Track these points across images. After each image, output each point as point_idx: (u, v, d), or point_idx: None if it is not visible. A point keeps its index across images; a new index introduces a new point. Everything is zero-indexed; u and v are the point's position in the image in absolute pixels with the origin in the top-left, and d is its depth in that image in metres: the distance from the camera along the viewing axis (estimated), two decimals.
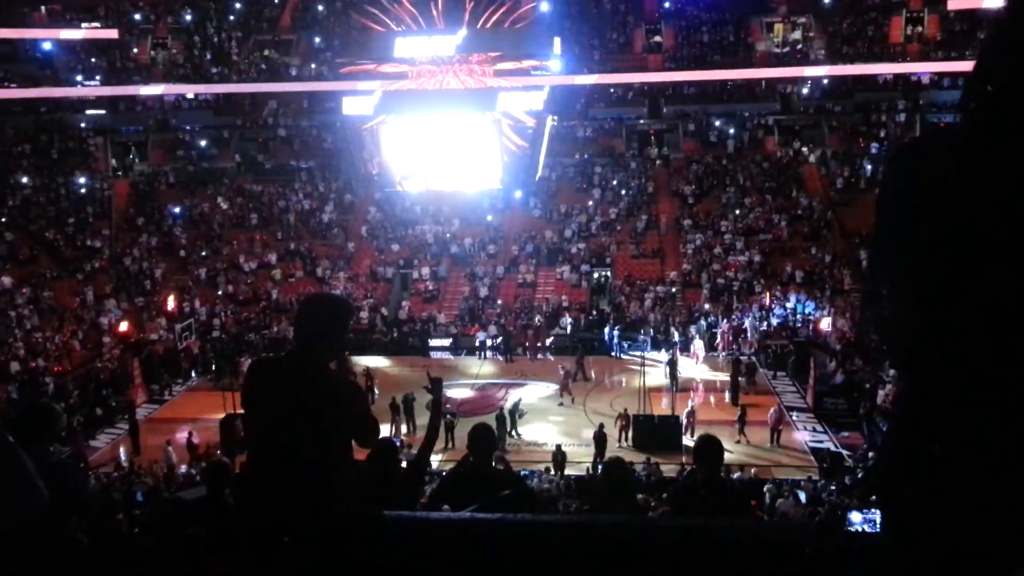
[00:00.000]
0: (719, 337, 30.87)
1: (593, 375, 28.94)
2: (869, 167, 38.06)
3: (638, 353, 29.63)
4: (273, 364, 3.78)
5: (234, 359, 28.88)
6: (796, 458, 22.02)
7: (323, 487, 3.38)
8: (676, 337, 30.49)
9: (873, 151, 38.64)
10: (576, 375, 27.95)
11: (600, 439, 21.54)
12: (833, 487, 18.43)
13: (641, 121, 42.32)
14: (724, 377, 27.85)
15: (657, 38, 44.48)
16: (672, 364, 27.15)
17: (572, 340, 32.01)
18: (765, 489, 17.23)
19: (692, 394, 26.21)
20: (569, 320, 33.22)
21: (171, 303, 33.32)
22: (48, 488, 3.62)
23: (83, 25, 44.41)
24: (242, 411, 3.60)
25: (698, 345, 29.91)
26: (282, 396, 3.37)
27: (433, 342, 33.16)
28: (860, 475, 18.86)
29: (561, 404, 26.11)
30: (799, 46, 43.14)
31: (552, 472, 20.03)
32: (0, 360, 28.42)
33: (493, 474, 5.17)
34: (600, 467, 17.36)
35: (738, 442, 22.11)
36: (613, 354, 31.11)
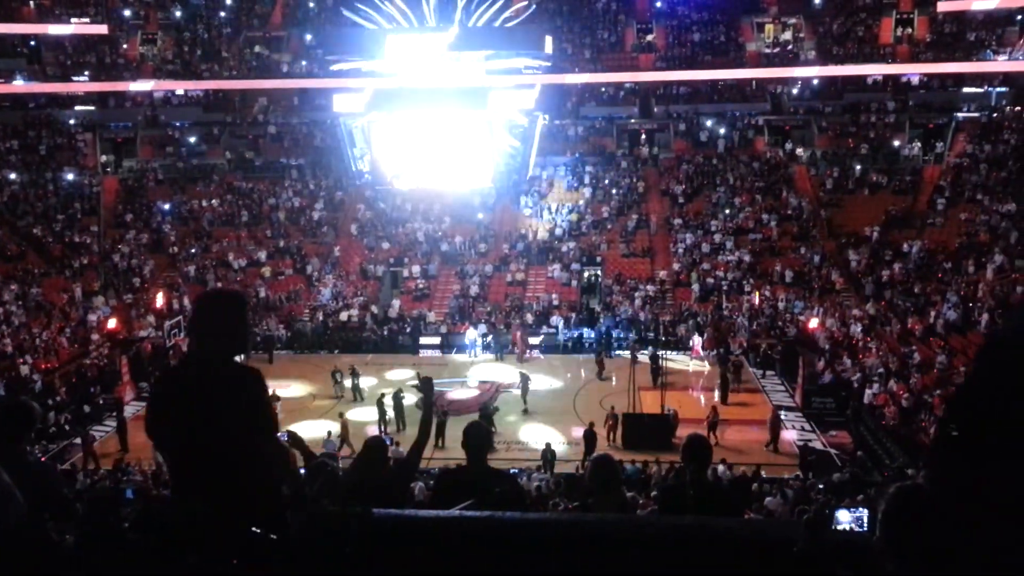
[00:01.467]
0: (705, 335, 30.94)
1: (599, 375, 28.85)
2: (858, 167, 38.25)
3: (627, 352, 29.68)
4: (179, 372, 3.65)
5: None
6: (784, 457, 22.10)
7: (262, 481, 3.36)
8: (629, 337, 30.61)
9: (862, 151, 38.87)
10: (600, 373, 28.49)
11: (590, 438, 21.56)
12: (821, 485, 18.51)
13: (632, 120, 42.37)
14: (706, 370, 28.05)
15: (648, 37, 44.53)
16: (655, 360, 27.21)
17: (563, 340, 32.09)
18: (753, 487, 17.31)
19: (689, 391, 26.31)
20: (559, 319, 33.28)
21: (160, 300, 33.17)
22: (25, 489, 3.59)
23: (72, 20, 44.10)
24: (151, 426, 3.47)
25: (696, 342, 30.05)
26: (198, 399, 3.28)
27: (423, 340, 33.15)
28: (847, 474, 18.95)
29: (525, 411, 25.66)
30: (789, 47, 43.27)
31: (542, 470, 20.06)
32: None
33: (488, 473, 5.17)
34: (588, 464, 17.38)
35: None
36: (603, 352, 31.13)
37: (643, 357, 28.33)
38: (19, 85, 42.09)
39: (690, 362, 29.46)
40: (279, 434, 4.58)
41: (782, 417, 24.58)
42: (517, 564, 3.12)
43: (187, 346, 3.64)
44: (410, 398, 23.81)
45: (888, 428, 23.35)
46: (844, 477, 18.98)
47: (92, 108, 43.58)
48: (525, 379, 26.39)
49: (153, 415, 3.43)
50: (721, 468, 18.68)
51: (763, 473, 19.22)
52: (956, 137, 38.43)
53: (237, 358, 3.46)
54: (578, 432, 22.52)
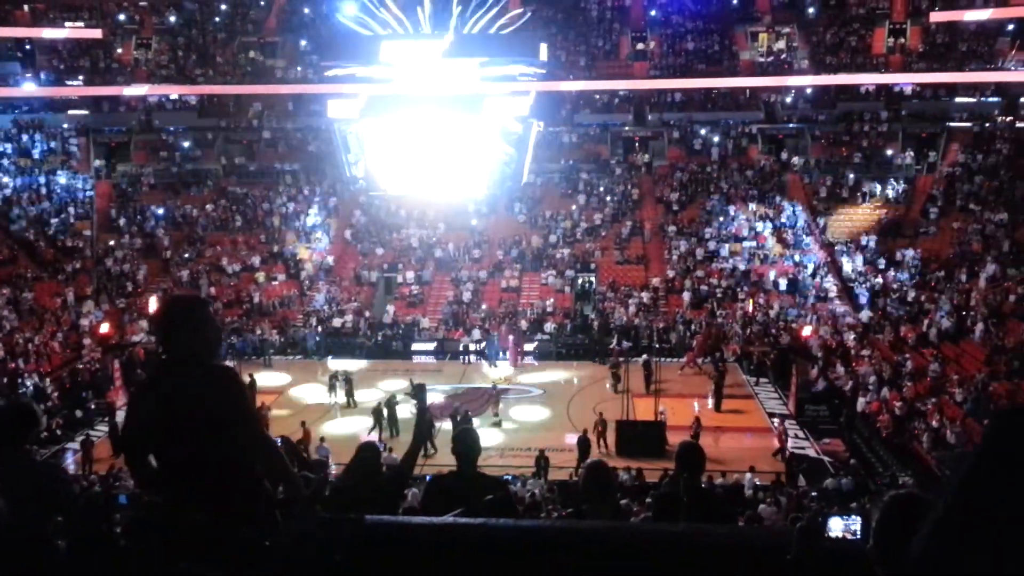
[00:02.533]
0: (694, 343, 30.94)
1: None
2: (851, 176, 38.42)
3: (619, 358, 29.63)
4: (154, 381, 3.68)
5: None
6: (778, 464, 22.09)
7: (248, 482, 3.37)
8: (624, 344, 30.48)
9: (856, 160, 39.03)
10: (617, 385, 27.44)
11: (583, 444, 21.55)
12: (815, 493, 18.55)
13: (626, 128, 42.46)
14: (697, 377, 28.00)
15: (642, 46, 44.68)
16: (647, 367, 27.20)
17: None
18: (747, 494, 17.33)
19: (682, 398, 26.33)
20: (553, 325, 33.28)
21: (153, 305, 33.02)
22: (29, 490, 3.57)
23: (67, 24, 44.05)
24: (128, 437, 3.50)
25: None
26: (176, 404, 3.32)
27: (417, 346, 33.11)
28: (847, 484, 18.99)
29: (495, 422, 25.29)
30: (783, 56, 43.46)
31: (536, 477, 20.04)
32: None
33: (479, 479, 5.17)
34: (582, 471, 17.36)
35: None
36: (596, 359, 31.16)
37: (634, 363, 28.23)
38: (12, 88, 42.01)
39: (680, 370, 29.39)
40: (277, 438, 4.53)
41: (775, 424, 24.65)
42: (510, 571, 3.12)
43: (160, 354, 3.65)
44: (405, 405, 23.80)
45: (881, 436, 23.41)
46: (839, 484, 19.03)
47: (86, 112, 43.49)
48: (494, 391, 26.17)
49: (134, 427, 3.46)
50: (748, 476, 18.76)
51: (756, 480, 19.24)
52: (949, 146, 38.62)
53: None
54: (572, 439, 22.51)
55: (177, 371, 3.42)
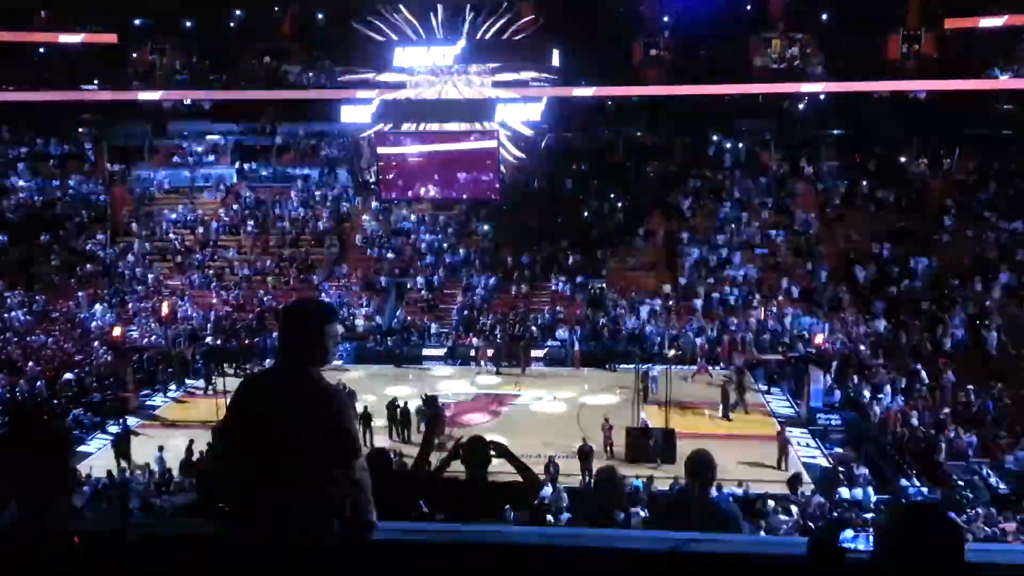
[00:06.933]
0: (698, 351, 30.78)
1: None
2: (865, 183, 38.24)
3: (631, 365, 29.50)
4: (262, 378, 3.58)
5: (225, 365, 28.98)
6: (788, 474, 21.93)
7: (318, 501, 3.32)
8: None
9: (870, 167, 38.85)
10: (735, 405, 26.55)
11: (585, 453, 21.46)
12: (827, 503, 18.41)
13: (639, 134, 42.40)
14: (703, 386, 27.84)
15: (655, 52, 44.59)
16: (646, 376, 27.04)
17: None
18: (757, 505, 17.22)
19: (693, 407, 26.27)
20: (564, 332, 33.22)
21: (165, 308, 33.23)
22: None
23: (82, 30, 44.30)
24: (223, 426, 3.39)
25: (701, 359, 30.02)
26: (273, 410, 3.24)
27: (427, 352, 33.13)
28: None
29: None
30: (796, 62, 43.31)
31: (546, 484, 19.96)
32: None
33: (486, 486, 5.15)
34: (592, 479, 17.27)
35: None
36: (607, 366, 31.11)
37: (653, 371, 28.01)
38: (28, 92, 42.32)
39: (691, 377, 29.18)
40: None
41: (787, 433, 24.50)
42: None
43: (273, 358, 3.56)
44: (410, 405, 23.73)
45: (895, 446, 23.24)
46: (851, 495, 18.89)
47: (101, 117, 43.78)
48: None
49: (227, 421, 3.40)
50: (730, 489, 18.62)
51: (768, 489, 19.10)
52: (963, 154, 38.38)
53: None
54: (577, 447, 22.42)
55: (288, 379, 3.32)
